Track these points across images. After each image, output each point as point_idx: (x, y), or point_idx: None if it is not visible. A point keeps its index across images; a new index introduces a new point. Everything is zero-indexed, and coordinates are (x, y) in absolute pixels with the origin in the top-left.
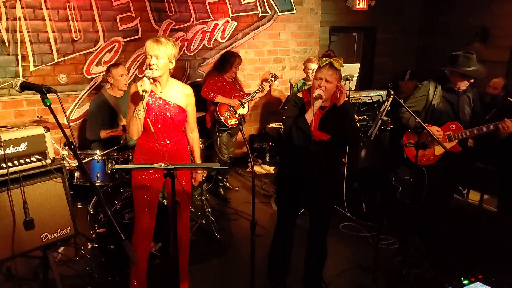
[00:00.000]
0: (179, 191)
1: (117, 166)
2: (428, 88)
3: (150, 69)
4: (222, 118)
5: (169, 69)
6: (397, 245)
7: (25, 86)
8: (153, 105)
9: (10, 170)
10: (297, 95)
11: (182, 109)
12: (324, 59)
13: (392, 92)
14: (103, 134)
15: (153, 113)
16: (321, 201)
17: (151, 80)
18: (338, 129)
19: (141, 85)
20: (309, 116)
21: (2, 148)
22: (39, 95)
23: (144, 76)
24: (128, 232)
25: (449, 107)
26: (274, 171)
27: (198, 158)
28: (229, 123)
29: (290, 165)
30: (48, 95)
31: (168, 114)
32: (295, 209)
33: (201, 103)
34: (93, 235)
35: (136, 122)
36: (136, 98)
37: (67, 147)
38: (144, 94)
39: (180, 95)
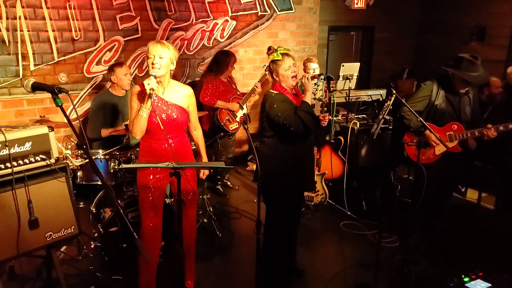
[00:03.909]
0: (185, 190)
1: (123, 166)
2: (431, 88)
3: (153, 68)
4: (222, 124)
5: (170, 70)
6: (397, 243)
7: (37, 87)
8: (155, 105)
9: (15, 169)
10: (273, 92)
11: (184, 109)
12: (276, 54)
13: (394, 92)
14: (105, 132)
15: (155, 114)
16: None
17: (158, 79)
18: None
19: (148, 83)
20: (309, 99)
21: (7, 148)
22: (46, 95)
23: (150, 75)
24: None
25: (450, 107)
26: None
27: (204, 154)
28: (230, 128)
29: (291, 153)
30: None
31: (170, 115)
32: (299, 199)
33: (200, 103)
34: (96, 234)
35: (140, 121)
36: (141, 97)
37: (70, 147)
38: (151, 92)
39: (181, 96)
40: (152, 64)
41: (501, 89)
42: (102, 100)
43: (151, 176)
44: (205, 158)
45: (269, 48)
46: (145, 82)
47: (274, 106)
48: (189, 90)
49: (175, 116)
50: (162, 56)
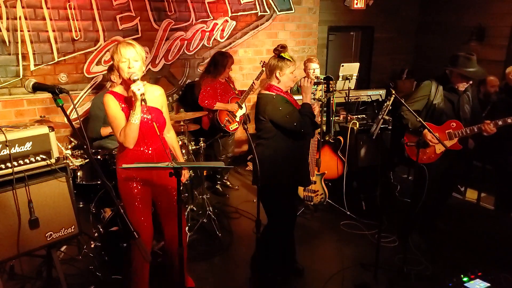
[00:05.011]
0: (168, 187)
1: (124, 166)
2: (430, 88)
3: (130, 71)
4: (223, 125)
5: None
6: (397, 243)
7: (38, 87)
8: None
9: (16, 169)
10: (272, 94)
11: (159, 111)
12: (285, 60)
13: (394, 92)
14: (104, 131)
15: (144, 119)
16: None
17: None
18: None
19: (139, 89)
20: (310, 101)
21: (8, 148)
22: (47, 95)
23: (134, 80)
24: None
25: (449, 106)
26: None
27: (181, 157)
28: (231, 129)
29: (291, 151)
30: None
31: (148, 118)
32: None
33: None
34: (96, 234)
35: (134, 129)
36: (120, 105)
37: (70, 147)
38: (143, 97)
39: (154, 97)
40: (129, 68)
41: (498, 89)
42: (102, 100)
43: (135, 184)
44: (181, 160)
45: (283, 46)
46: (134, 88)
47: (280, 109)
48: (160, 90)
49: (153, 119)
50: (136, 58)
